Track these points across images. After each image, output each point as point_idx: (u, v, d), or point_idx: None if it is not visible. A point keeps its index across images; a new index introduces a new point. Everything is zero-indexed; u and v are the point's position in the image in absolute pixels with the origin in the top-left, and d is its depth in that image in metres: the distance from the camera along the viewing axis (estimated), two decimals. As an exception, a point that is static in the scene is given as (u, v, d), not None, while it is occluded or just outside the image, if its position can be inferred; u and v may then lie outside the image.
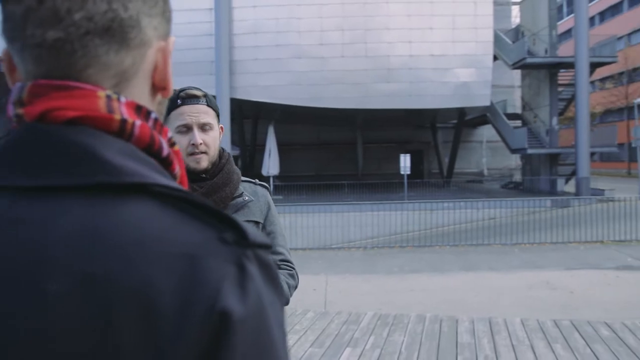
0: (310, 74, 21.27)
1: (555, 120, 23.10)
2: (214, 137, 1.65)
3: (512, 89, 30.67)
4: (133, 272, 0.44)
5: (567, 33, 41.11)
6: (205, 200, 0.50)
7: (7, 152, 0.50)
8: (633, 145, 21.58)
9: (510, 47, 23.74)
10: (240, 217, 1.67)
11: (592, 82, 29.13)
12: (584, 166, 20.33)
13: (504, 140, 24.97)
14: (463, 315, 5.75)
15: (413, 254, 10.76)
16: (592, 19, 37.20)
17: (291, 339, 4.98)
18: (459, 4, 21.43)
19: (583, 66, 20.40)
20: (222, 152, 1.74)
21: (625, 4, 44.11)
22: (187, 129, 1.63)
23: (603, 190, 20.61)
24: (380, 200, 16.08)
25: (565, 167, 23.37)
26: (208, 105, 1.66)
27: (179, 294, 0.44)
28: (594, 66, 21.89)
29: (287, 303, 1.72)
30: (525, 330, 5.18)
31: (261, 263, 0.49)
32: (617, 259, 9.68)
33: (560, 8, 43.94)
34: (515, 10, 30.70)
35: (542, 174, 23.28)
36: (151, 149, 0.54)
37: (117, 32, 0.52)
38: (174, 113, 1.63)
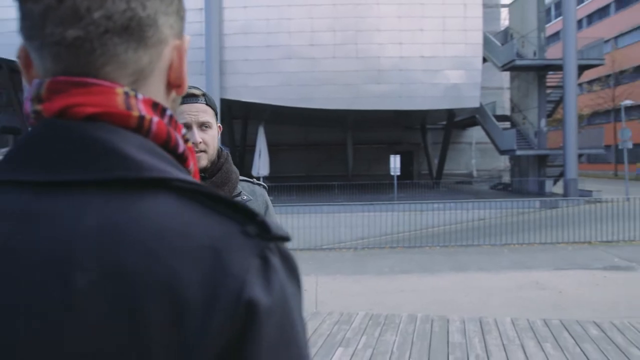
0: (301, 74, 21.26)
1: (543, 122, 23.27)
2: (212, 135, 1.66)
3: (501, 91, 30.85)
4: (159, 266, 0.45)
5: (556, 36, 41.44)
6: (226, 194, 0.50)
7: (27, 148, 0.51)
8: (620, 147, 21.77)
9: (499, 49, 23.89)
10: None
11: (579, 85, 29.42)
12: (572, 167, 20.50)
13: (493, 141, 25.11)
14: (454, 315, 5.79)
15: (403, 255, 10.80)
16: (579, 22, 37.60)
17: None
18: (449, 6, 21.53)
19: (571, 68, 20.58)
20: (220, 151, 1.75)
21: (612, 7, 44.56)
22: (186, 127, 1.63)
23: (591, 191, 20.79)
24: (371, 201, 16.11)
25: (553, 168, 23.55)
26: (207, 104, 1.67)
27: (205, 286, 0.45)
28: (581, 69, 22.08)
29: None
30: (516, 330, 5.22)
31: (283, 255, 0.50)
32: (605, 260, 9.77)
33: (548, 11, 44.30)
34: (504, 13, 30.93)
35: (530, 175, 23.44)
36: (168, 145, 0.55)
37: (135, 31, 0.52)
38: None
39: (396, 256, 10.63)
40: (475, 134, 31.46)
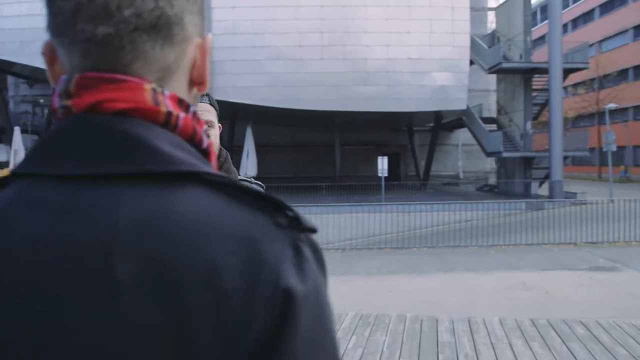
0: (289, 75, 21.27)
1: (529, 125, 23.49)
2: (215, 135, 1.67)
3: (488, 93, 31.08)
4: (198, 256, 0.46)
5: (541, 39, 41.89)
6: (256, 187, 0.52)
7: (56, 142, 0.52)
8: (604, 149, 22.07)
9: (486, 52, 24.08)
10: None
11: (565, 88, 29.75)
12: (558, 170, 20.71)
13: (479, 143, 25.30)
14: (443, 315, 5.83)
15: (391, 256, 10.85)
16: (565, 26, 37.98)
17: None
18: (437, 8, 21.67)
19: (556, 72, 20.81)
20: (220, 151, 1.75)
21: (597, 12, 45.21)
22: None
23: (575, 193, 21.04)
24: (358, 202, 16.15)
25: (539, 170, 23.78)
26: (210, 104, 1.68)
27: (244, 275, 0.46)
28: (567, 72, 22.35)
29: None
30: (504, 329, 5.27)
31: (312, 246, 0.52)
32: (590, 260, 9.90)
33: (534, 14, 44.72)
34: (491, 16, 31.12)
35: (516, 177, 23.65)
36: (193, 140, 0.56)
37: (163, 29, 0.53)
38: None
39: (384, 257, 10.67)
40: (462, 136, 31.66)
